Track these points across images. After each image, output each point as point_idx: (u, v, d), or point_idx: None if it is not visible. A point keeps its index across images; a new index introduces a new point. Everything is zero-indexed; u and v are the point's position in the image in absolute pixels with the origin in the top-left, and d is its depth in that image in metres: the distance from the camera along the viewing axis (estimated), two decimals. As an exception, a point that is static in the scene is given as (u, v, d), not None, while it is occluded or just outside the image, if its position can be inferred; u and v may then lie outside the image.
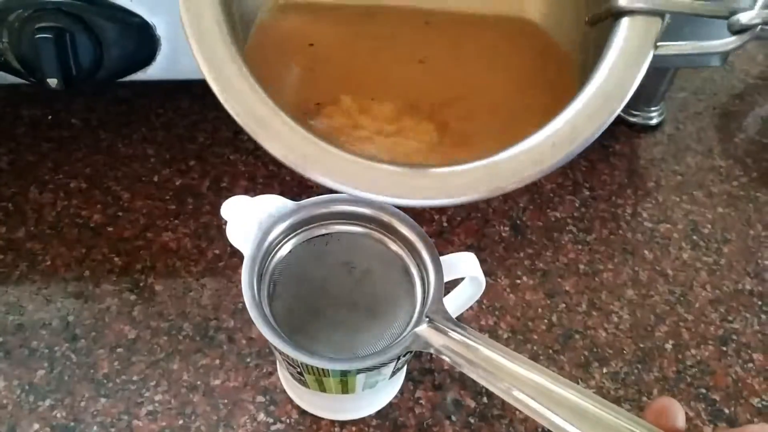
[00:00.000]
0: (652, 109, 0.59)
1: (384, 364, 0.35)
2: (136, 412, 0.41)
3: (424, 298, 0.36)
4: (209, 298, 0.46)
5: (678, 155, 0.58)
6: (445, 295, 0.40)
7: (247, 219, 0.37)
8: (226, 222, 0.37)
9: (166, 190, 0.52)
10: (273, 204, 0.37)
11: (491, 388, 0.31)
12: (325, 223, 0.38)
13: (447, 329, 0.33)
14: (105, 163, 0.53)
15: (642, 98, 0.58)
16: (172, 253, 0.48)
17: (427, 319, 0.34)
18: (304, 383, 0.38)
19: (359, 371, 0.34)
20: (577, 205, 0.53)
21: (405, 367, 0.43)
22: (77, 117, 0.56)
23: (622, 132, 0.59)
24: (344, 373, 0.35)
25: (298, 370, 0.36)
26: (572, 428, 0.29)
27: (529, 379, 0.31)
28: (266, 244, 0.36)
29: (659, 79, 0.57)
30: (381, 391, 0.41)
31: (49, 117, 0.56)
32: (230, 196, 0.51)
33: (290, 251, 0.38)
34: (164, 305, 0.46)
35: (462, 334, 0.33)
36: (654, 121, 0.59)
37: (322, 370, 0.34)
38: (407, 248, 0.37)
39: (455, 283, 0.40)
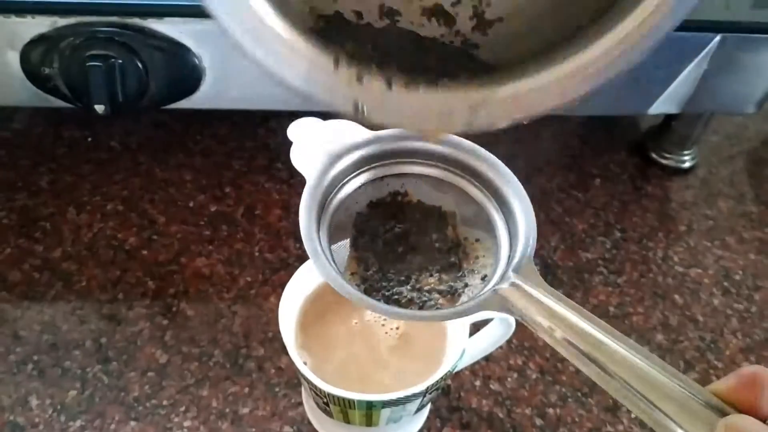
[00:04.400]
0: (685, 152, 0.59)
1: (409, 400, 0.35)
2: (165, 437, 0.41)
3: (510, 253, 0.31)
4: (240, 326, 0.46)
5: (710, 199, 0.57)
6: (473, 333, 0.40)
7: (316, 143, 0.33)
8: (290, 143, 0.34)
9: (200, 215, 0.52)
10: (346, 130, 0.33)
11: (584, 369, 0.27)
12: (401, 161, 0.33)
13: (536, 293, 0.28)
14: (142, 187, 0.54)
15: (675, 141, 0.58)
16: (204, 278, 0.49)
17: (513, 277, 0.29)
18: (329, 414, 0.38)
19: (384, 405, 0.35)
20: (608, 246, 0.53)
21: (429, 405, 0.43)
22: (116, 140, 0.57)
23: (654, 174, 0.59)
24: (370, 406, 0.35)
25: (324, 400, 0.36)
26: (675, 426, 0.24)
27: (636, 367, 0.26)
28: (332, 173, 0.32)
29: (693, 123, 0.57)
30: (404, 426, 0.41)
31: (89, 139, 0.57)
32: (263, 224, 0.52)
33: (359, 187, 0.33)
34: (195, 331, 0.46)
35: (556, 302, 0.28)
36: (687, 165, 0.59)
37: (348, 401, 0.34)
38: (491, 194, 0.32)
39: (485, 322, 0.40)
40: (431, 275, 0.32)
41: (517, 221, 0.31)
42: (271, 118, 0.59)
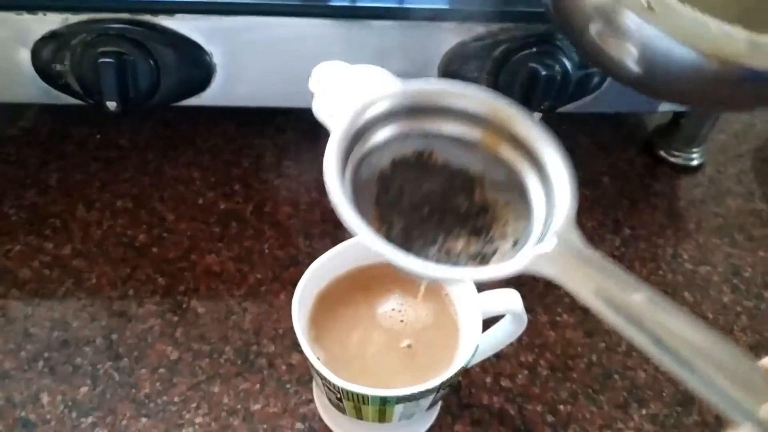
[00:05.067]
0: (694, 150, 0.59)
1: (422, 395, 0.35)
2: (176, 434, 0.41)
3: (547, 217, 0.29)
4: (251, 323, 0.46)
5: (718, 197, 0.57)
6: (484, 330, 0.40)
7: (341, 91, 0.30)
8: (312, 94, 0.32)
9: (210, 213, 0.52)
10: (373, 77, 0.31)
11: (635, 338, 0.25)
12: (431, 118, 0.31)
13: (584, 253, 0.27)
14: (151, 185, 0.54)
15: (683, 140, 0.58)
16: (215, 276, 0.49)
17: (555, 239, 0.27)
18: (342, 410, 0.38)
19: (399, 400, 0.35)
20: (617, 244, 0.53)
21: (440, 401, 0.43)
22: (125, 138, 0.57)
23: (663, 172, 0.59)
24: (384, 401, 0.35)
25: (338, 395, 0.36)
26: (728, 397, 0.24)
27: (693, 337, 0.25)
28: (359, 124, 0.29)
29: (701, 121, 0.57)
30: (416, 423, 0.41)
31: (98, 137, 0.57)
32: (273, 222, 0.52)
33: (385, 142, 0.30)
34: (206, 328, 0.46)
35: (604, 265, 0.26)
36: (695, 163, 0.59)
37: (362, 396, 0.34)
38: (527, 157, 0.30)
39: (496, 319, 0.40)
40: (458, 238, 0.31)
41: (553, 185, 0.29)
42: (279, 115, 0.59)
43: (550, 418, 0.43)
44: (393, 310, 0.40)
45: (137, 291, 0.48)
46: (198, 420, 0.42)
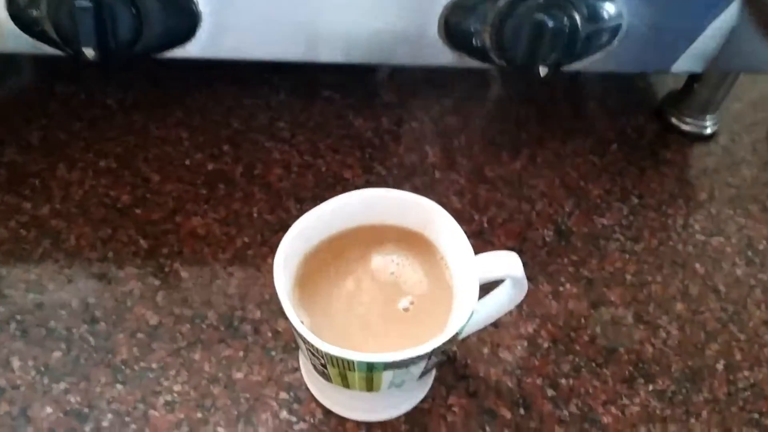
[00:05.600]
0: (707, 118, 0.56)
1: (413, 362, 0.32)
2: (154, 402, 0.39)
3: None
4: (236, 287, 0.44)
5: (732, 167, 0.55)
6: (482, 297, 0.38)
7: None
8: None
9: (197, 174, 0.50)
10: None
11: None
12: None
13: None
14: (136, 145, 0.52)
15: (696, 106, 0.55)
16: (200, 238, 0.46)
17: None
18: (327, 377, 0.35)
19: (387, 366, 0.32)
20: (625, 212, 0.50)
21: (434, 370, 0.41)
22: (111, 97, 0.55)
23: (674, 140, 0.56)
24: (370, 367, 0.32)
25: (322, 361, 0.33)
26: None
27: None
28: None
29: (716, 86, 0.54)
30: (409, 392, 0.39)
31: (83, 96, 0.55)
32: (263, 184, 0.49)
33: None
34: (189, 292, 0.44)
35: None
36: (708, 131, 0.56)
37: (348, 362, 0.32)
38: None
39: (495, 284, 0.38)
40: None
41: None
42: (273, 75, 0.57)
43: (550, 392, 0.41)
44: (386, 272, 0.37)
45: (118, 253, 0.45)
46: (176, 388, 0.40)
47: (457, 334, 0.33)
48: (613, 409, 0.40)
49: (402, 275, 0.37)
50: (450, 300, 0.36)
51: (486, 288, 0.36)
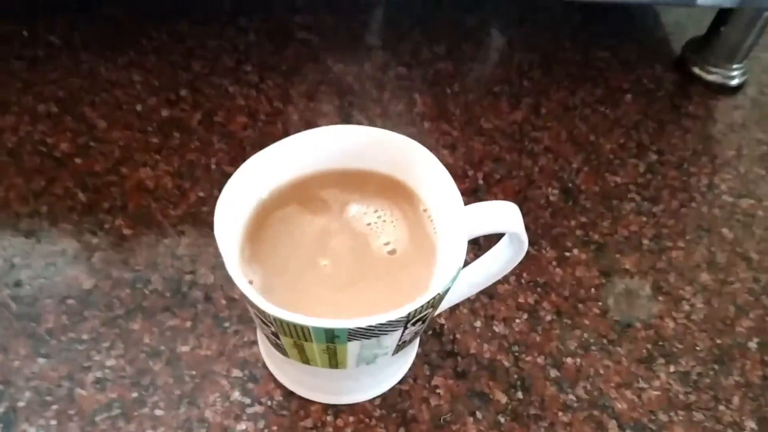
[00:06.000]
0: (734, 67, 0.49)
1: (384, 330, 0.26)
2: (81, 379, 0.33)
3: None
4: (187, 248, 0.38)
5: (762, 122, 0.48)
6: (475, 258, 0.31)
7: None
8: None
9: (149, 121, 0.43)
10: None
11: None
12: None
13: None
14: (82, 87, 0.45)
15: (722, 54, 0.49)
16: (147, 192, 0.40)
17: None
18: (282, 350, 0.29)
19: (351, 335, 0.26)
20: (641, 170, 0.44)
21: (416, 343, 0.34)
22: (57, 35, 0.48)
23: (696, 91, 0.49)
24: (330, 336, 0.26)
25: (273, 329, 0.27)
26: None
27: None
28: None
29: (746, 30, 0.47)
30: (383, 370, 0.33)
31: (25, 33, 0.48)
32: (224, 133, 0.43)
33: None
34: (131, 253, 0.37)
35: None
36: (735, 82, 0.49)
37: (302, 329, 0.25)
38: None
39: (488, 245, 0.31)
40: None
41: None
42: (240, 16, 0.50)
43: (553, 373, 0.35)
44: (360, 224, 0.31)
45: (52, 207, 0.39)
46: (109, 362, 0.33)
47: (438, 297, 0.26)
48: (627, 393, 0.34)
49: (378, 228, 0.31)
50: (433, 257, 0.30)
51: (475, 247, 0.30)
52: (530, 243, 0.32)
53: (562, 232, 0.40)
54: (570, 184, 0.42)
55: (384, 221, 0.31)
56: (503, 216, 0.29)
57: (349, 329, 0.25)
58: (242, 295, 0.26)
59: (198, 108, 0.44)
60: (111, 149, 0.42)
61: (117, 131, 0.43)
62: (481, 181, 0.42)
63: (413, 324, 0.27)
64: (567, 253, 0.39)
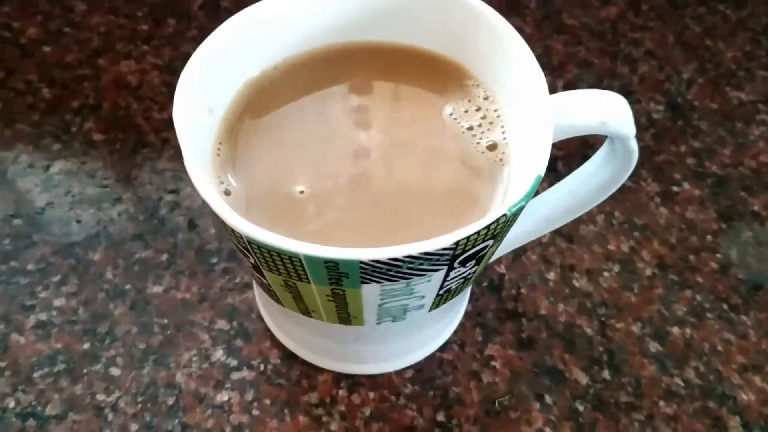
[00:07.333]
0: None
1: (418, 269, 0.17)
2: (20, 322, 0.25)
3: None
4: (170, 160, 0.29)
5: None
6: (567, 174, 0.22)
7: None
8: None
9: (139, 4, 0.35)
10: None
11: None
12: None
13: None
14: (63, -36, 0.36)
15: None
16: (128, 90, 0.31)
17: None
18: (275, 297, 0.20)
19: (365, 273, 0.16)
20: (774, 87, 0.33)
21: (466, 296, 0.25)
22: None
23: None
24: (335, 275, 0.17)
25: (252, 260, 0.18)
26: None
27: None
28: None
29: None
30: (417, 332, 0.23)
31: None
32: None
33: None
34: (102, 162, 0.29)
35: None
36: None
37: (290, 261, 0.16)
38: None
39: (580, 152, 0.22)
40: None
41: None
42: None
43: (654, 347, 0.25)
44: (382, 119, 0.21)
45: (8, 105, 0.31)
46: (58, 302, 0.25)
47: (504, 220, 0.17)
48: (756, 380, 0.24)
49: (422, 126, 0.21)
50: (498, 165, 0.20)
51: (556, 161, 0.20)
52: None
53: (669, 159, 0.30)
54: (679, 99, 0.32)
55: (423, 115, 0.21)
56: (610, 110, 0.19)
57: (362, 262, 0.16)
58: (212, 211, 0.17)
59: (202, -9, 0.35)
60: (88, 37, 0.33)
61: (98, 16, 0.34)
62: (561, 91, 0.32)
63: (462, 263, 0.18)
64: (675, 188, 0.29)
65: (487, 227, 0.16)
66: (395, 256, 0.16)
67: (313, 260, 0.16)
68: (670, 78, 0.33)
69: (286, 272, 0.17)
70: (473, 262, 0.18)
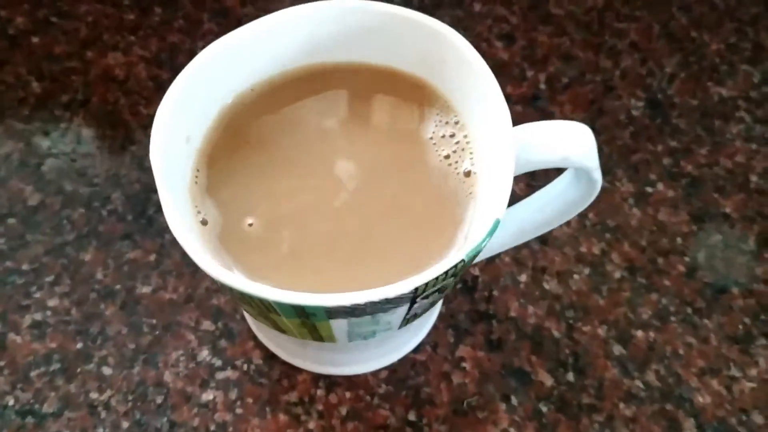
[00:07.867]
0: None
1: (380, 309, 0.18)
2: (16, 322, 0.26)
3: None
4: (158, 159, 0.30)
5: None
6: (529, 194, 0.23)
7: None
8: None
9: (126, -9, 0.35)
10: None
11: None
12: None
13: None
14: (49, -53, 0.36)
15: None
16: (116, 83, 0.32)
17: None
18: (252, 314, 0.21)
19: (330, 314, 0.18)
20: (756, 80, 0.33)
21: (437, 306, 0.26)
22: None
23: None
24: (303, 314, 0.18)
25: (228, 295, 0.19)
26: None
27: None
28: None
29: None
30: (389, 342, 0.25)
31: None
32: (217, 10, 0.34)
33: None
34: (91, 159, 0.30)
35: None
36: None
37: (261, 303, 0.18)
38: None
39: (547, 179, 0.22)
40: None
41: None
42: None
43: (617, 350, 0.26)
44: (362, 142, 0.22)
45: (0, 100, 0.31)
46: (52, 303, 0.27)
47: (463, 262, 0.18)
48: (714, 383, 0.26)
49: (387, 150, 0.22)
50: (468, 198, 0.21)
51: (527, 179, 0.21)
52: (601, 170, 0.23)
53: (645, 158, 0.31)
54: (660, 95, 0.32)
55: (396, 139, 0.22)
56: (569, 141, 0.20)
57: (326, 307, 0.17)
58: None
59: (188, -23, 0.35)
60: (76, 27, 0.33)
61: (85, 4, 0.34)
62: (543, 86, 0.32)
63: (425, 298, 0.19)
64: (649, 189, 0.30)
65: (445, 273, 0.17)
66: (357, 303, 0.17)
67: (282, 305, 0.17)
68: (653, 72, 0.33)
69: (257, 306, 0.18)
70: (436, 294, 0.19)
